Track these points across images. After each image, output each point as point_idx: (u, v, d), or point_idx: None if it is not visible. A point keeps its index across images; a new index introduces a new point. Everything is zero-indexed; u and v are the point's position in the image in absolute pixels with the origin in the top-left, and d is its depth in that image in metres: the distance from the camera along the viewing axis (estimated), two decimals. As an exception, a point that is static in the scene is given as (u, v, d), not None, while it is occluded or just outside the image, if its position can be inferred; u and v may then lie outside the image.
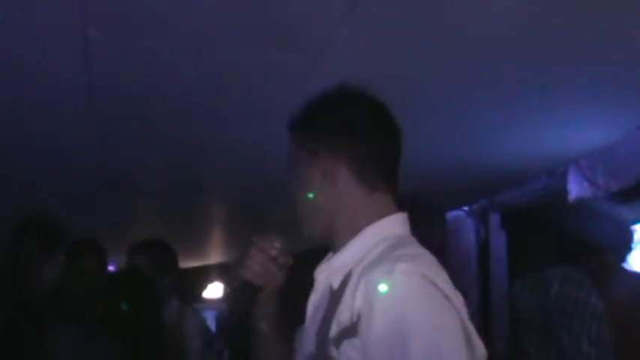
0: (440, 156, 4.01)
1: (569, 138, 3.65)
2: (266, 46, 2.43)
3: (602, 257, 2.55)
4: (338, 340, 1.16)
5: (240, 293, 1.43)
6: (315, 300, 1.36)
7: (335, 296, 1.25)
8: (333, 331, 1.18)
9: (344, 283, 1.24)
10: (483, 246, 5.82)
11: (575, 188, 4.16)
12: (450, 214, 6.09)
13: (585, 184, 4.06)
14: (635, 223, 3.04)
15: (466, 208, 5.91)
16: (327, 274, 1.34)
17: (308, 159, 1.33)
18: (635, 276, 2.66)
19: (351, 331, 1.14)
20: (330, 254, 1.39)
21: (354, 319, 1.13)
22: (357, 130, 1.33)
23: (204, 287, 10.12)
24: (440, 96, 3.00)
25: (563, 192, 4.27)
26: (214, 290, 10.47)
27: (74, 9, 2.13)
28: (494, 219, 5.76)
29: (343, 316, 1.17)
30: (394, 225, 1.32)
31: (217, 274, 10.31)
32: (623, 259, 2.64)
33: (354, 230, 1.30)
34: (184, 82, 2.82)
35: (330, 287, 1.30)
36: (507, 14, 2.20)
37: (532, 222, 4.95)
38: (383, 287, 1.10)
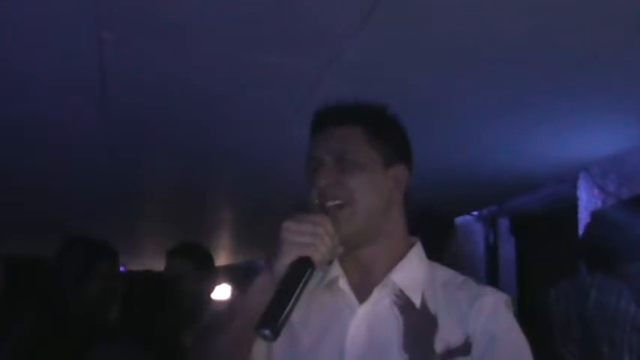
0: (450, 162, 4.00)
1: (580, 145, 3.63)
2: (278, 52, 2.42)
3: (626, 265, 2.52)
4: (446, 357, 1.26)
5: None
6: (372, 313, 1.33)
7: (423, 314, 1.32)
8: (439, 348, 1.27)
9: (425, 301, 1.34)
10: (492, 251, 5.81)
11: (586, 195, 4.14)
12: (460, 219, 6.09)
13: (596, 191, 4.03)
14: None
15: (475, 212, 5.90)
16: (388, 289, 1.34)
17: (383, 166, 1.38)
18: None
19: (462, 350, 1.27)
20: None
21: (469, 340, 1.28)
22: (410, 154, 1.47)
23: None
24: (451, 103, 2.99)
25: (573, 198, 4.25)
26: (222, 292, 10.48)
27: (88, 13, 2.13)
28: (504, 224, 5.75)
29: (452, 335, 1.28)
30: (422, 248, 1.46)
31: (225, 276, 10.33)
32: None
33: (395, 244, 1.40)
34: (196, 87, 2.81)
35: (410, 303, 1.33)
36: (519, 24, 2.19)
37: (549, 229, 4.95)
38: (501, 314, 1.31)
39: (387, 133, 1.40)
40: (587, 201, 4.10)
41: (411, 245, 1.42)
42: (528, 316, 1.36)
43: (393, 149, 1.40)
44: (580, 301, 2.48)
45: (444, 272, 1.41)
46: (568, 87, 2.79)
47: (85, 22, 2.20)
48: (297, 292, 1.17)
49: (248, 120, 3.25)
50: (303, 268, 1.20)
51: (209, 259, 3.27)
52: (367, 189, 1.34)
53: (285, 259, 1.22)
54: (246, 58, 2.50)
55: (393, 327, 1.30)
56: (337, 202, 1.32)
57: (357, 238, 1.34)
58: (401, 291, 1.34)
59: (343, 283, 1.37)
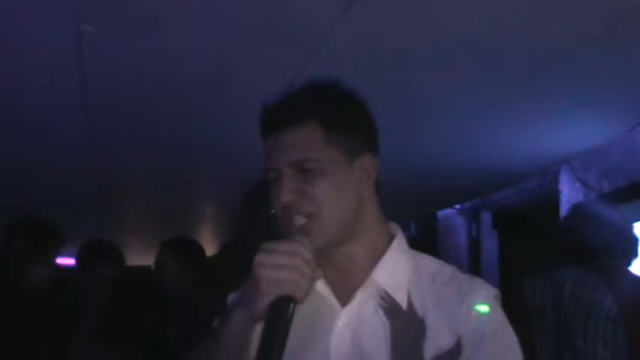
0: (432, 155, 4.01)
1: (562, 139, 3.66)
2: (260, 45, 2.42)
3: (605, 260, 2.55)
4: None
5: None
6: (356, 318, 1.24)
7: (410, 317, 1.24)
8: (430, 353, 1.20)
9: (412, 302, 1.25)
10: (474, 245, 5.84)
11: (567, 189, 4.17)
12: (442, 213, 6.12)
13: (577, 184, 4.07)
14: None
15: (458, 206, 5.93)
16: (372, 290, 1.25)
17: (347, 161, 1.25)
18: (637, 279, 2.65)
19: (453, 353, 1.20)
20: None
21: (460, 341, 1.21)
22: (377, 137, 1.34)
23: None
24: (433, 97, 3.00)
25: (555, 192, 4.28)
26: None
27: (67, 4, 2.12)
28: (486, 218, 5.78)
29: (442, 338, 1.21)
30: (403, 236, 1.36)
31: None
32: (627, 262, 2.62)
33: (374, 237, 1.31)
34: (176, 80, 2.80)
35: (396, 305, 1.25)
36: (502, 15, 2.20)
37: (531, 223, 4.98)
38: (491, 312, 1.24)
39: (346, 124, 1.27)
40: (569, 195, 4.14)
41: (392, 236, 1.33)
42: (507, 306, 1.33)
43: (355, 139, 1.27)
44: (555, 292, 2.51)
45: (428, 263, 1.32)
46: (549, 81, 2.81)
47: (63, 13, 2.18)
48: (284, 338, 1.09)
49: (230, 113, 3.24)
50: (285, 308, 1.10)
51: (189, 250, 3.38)
52: (334, 195, 1.22)
53: (265, 300, 1.11)
54: (228, 50, 2.49)
55: (379, 333, 1.22)
56: (304, 218, 1.21)
57: (332, 246, 1.26)
58: (385, 292, 1.25)
59: (321, 286, 1.27)
